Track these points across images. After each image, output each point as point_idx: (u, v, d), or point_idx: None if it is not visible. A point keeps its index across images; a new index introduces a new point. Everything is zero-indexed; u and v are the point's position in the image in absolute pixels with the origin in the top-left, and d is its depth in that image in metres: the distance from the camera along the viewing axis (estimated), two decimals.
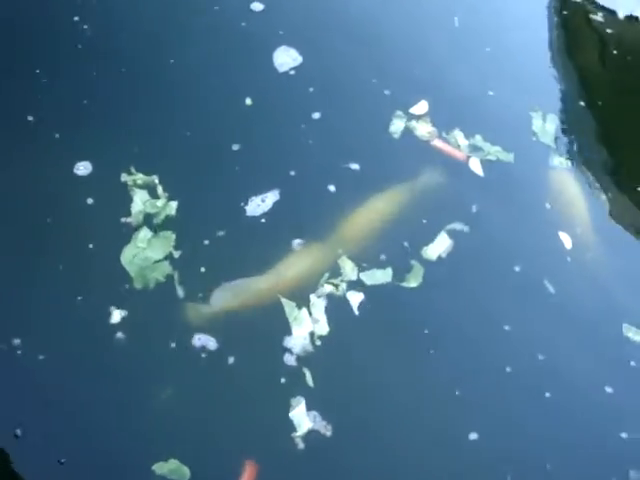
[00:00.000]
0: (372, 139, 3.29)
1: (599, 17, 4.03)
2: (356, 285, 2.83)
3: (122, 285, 2.71)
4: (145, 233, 2.83)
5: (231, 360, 2.61)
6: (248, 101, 3.27)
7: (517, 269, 2.99)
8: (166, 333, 2.64)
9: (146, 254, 2.78)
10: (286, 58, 3.45)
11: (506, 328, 2.84)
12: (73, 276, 2.72)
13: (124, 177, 2.96)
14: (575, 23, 4.02)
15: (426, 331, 2.79)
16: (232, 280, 2.76)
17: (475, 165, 3.26)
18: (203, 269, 2.79)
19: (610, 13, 4.07)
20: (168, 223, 2.88)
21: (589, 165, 3.45)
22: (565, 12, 4.05)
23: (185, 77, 3.33)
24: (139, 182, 2.96)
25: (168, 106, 3.23)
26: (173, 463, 2.39)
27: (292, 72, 3.40)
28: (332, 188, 3.07)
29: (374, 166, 3.18)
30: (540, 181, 3.31)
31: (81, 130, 3.09)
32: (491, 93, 3.54)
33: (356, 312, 2.77)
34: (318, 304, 2.77)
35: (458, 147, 3.30)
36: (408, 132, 3.31)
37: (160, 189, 2.95)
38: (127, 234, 2.82)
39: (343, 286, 2.82)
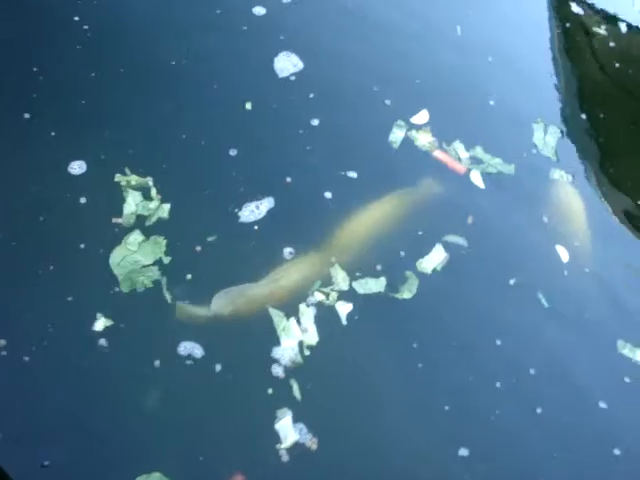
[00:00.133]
0: (371, 147, 3.27)
1: (602, 30, 4.01)
2: (347, 294, 2.80)
3: (110, 288, 2.68)
4: (136, 236, 2.80)
5: (218, 368, 2.58)
6: (248, 105, 3.26)
7: (512, 282, 2.97)
8: (151, 340, 2.61)
9: (135, 257, 2.75)
10: (287, 63, 3.43)
11: (498, 342, 2.82)
12: (63, 276, 2.69)
13: (118, 178, 2.94)
14: (577, 35, 4.01)
15: (416, 345, 2.76)
16: (224, 288, 2.73)
17: (476, 178, 3.24)
18: (191, 276, 2.76)
19: (613, 25, 4.05)
20: (160, 226, 2.85)
21: (590, 179, 3.43)
22: (567, 24, 4.04)
23: (185, 79, 3.31)
24: (133, 183, 2.94)
25: (166, 108, 3.20)
26: (156, 476, 2.35)
27: (292, 78, 3.39)
28: (329, 196, 3.04)
29: (372, 175, 3.15)
30: (540, 194, 3.29)
31: (77, 129, 3.07)
32: (492, 103, 3.52)
33: (344, 322, 2.74)
34: (307, 313, 2.73)
35: (459, 159, 3.27)
36: (408, 142, 3.29)
37: (154, 191, 2.93)
38: (119, 235, 2.80)
39: (334, 295, 2.79)
